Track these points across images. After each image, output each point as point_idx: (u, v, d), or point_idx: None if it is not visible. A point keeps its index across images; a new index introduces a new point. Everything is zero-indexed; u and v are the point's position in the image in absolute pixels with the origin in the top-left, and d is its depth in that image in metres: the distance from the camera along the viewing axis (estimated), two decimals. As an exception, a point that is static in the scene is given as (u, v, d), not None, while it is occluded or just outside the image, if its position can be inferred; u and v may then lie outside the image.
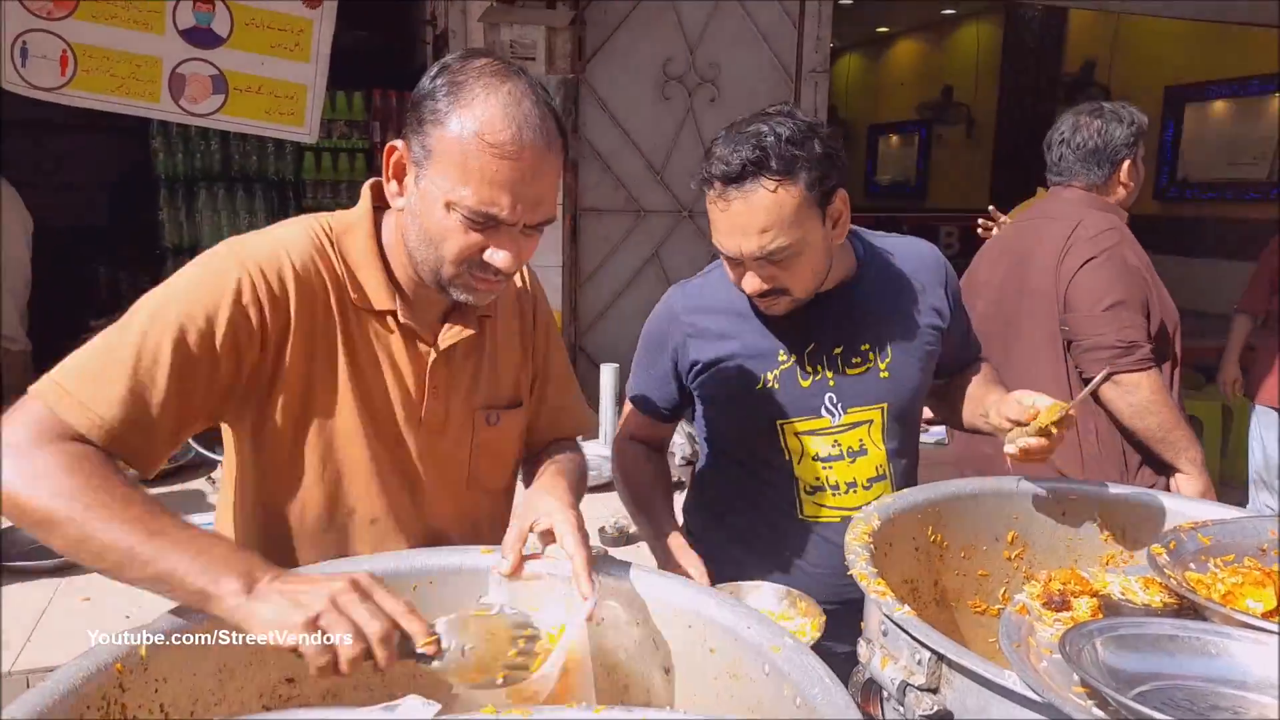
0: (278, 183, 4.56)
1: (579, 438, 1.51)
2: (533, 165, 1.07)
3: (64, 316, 3.84)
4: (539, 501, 1.16)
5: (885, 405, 1.55)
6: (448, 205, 1.08)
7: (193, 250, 4.45)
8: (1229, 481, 5.06)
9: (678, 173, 4.22)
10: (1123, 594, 1.04)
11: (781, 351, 1.55)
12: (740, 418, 1.59)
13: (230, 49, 3.18)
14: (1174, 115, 6.56)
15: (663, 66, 4.11)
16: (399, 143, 1.12)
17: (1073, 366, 2.22)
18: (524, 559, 1.10)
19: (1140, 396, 2.09)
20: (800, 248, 1.41)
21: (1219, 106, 6.33)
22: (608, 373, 3.08)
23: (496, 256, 1.10)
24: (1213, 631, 0.90)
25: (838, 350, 1.54)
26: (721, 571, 1.49)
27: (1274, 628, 0.90)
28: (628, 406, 1.72)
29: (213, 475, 2.46)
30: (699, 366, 1.59)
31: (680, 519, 1.64)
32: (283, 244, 1.14)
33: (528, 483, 1.44)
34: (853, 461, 1.54)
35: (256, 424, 1.16)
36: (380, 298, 1.18)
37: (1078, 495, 1.42)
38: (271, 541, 1.20)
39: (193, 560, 0.91)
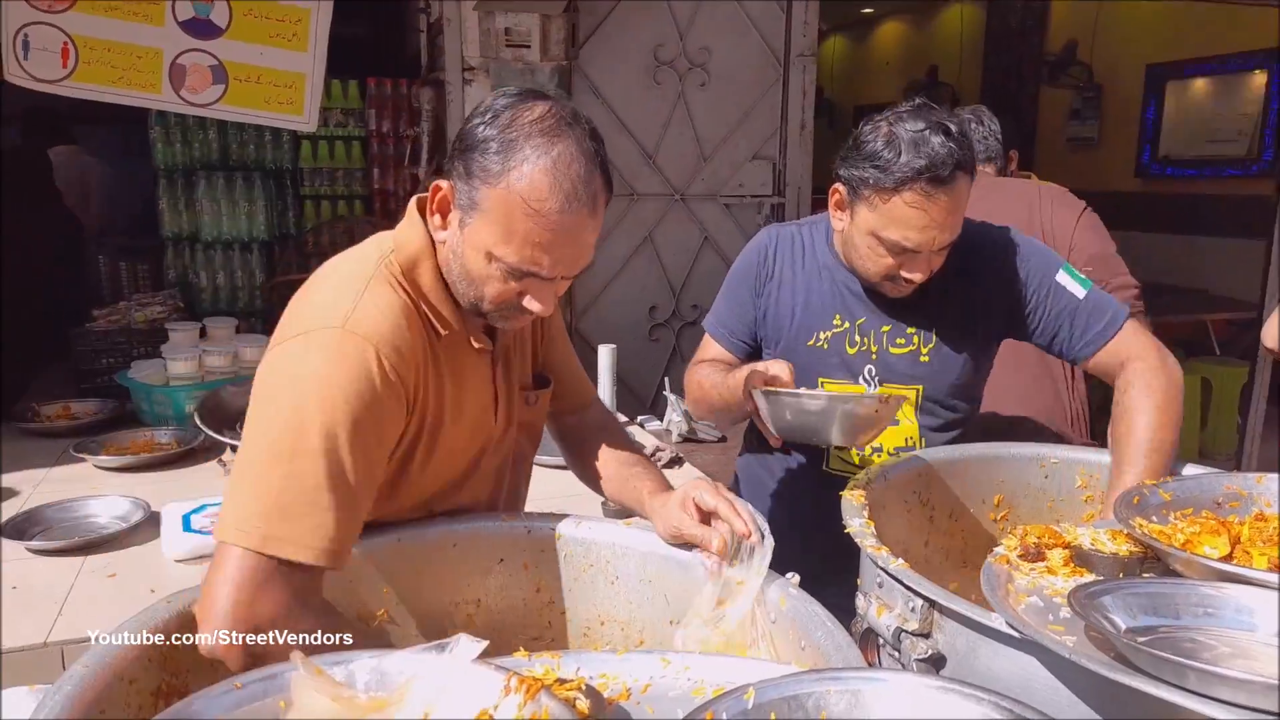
0: (276, 171, 4.59)
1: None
2: (575, 229, 1.11)
3: (66, 307, 3.87)
4: (677, 492, 1.27)
5: (920, 388, 1.64)
6: (489, 257, 1.12)
7: (193, 240, 4.48)
8: (1209, 453, 5.15)
9: (669, 157, 4.28)
10: (1092, 545, 1.12)
11: (838, 316, 1.67)
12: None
13: (229, 39, 3.21)
14: (1155, 93, 6.63)
15: (654, 52, 4.16)
16: (444, 183, 1.15)
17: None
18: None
19: None
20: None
21: (1199, 84, 6.40)
22: (605, 353, 3.13)
23: (533, 304, 1.17)
24: (1204, 585, 0.97)
25: (885, 328, 1.65)
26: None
27: (1233, 569, 0.99)
28: (705, 340, 1.82)
29: (223, 459, 2.52)
30: (771, 309, 1.72)
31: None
32: (389, 309, 1.14)
33: (584, 469, 1.51)
34: None
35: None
36: (459, 325, 1.23)
37: (1059, 459, 1.52)
38: None
39: None
